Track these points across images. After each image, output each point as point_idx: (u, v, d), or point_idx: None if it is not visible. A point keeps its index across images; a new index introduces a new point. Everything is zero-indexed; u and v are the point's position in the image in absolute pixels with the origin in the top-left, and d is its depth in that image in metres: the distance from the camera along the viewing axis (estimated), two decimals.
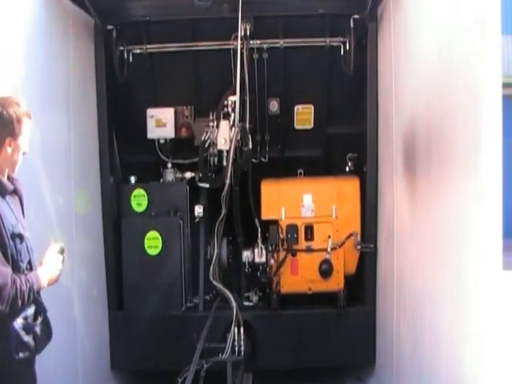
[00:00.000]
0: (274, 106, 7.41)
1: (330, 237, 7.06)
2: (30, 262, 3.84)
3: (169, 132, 7.43)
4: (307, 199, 7.16)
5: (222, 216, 6.98)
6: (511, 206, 5.53)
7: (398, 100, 6.16)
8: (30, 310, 3.78)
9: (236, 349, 6.34)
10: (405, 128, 5.86)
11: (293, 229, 7.12)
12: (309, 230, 7.14)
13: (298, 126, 7.62)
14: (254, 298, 7.55)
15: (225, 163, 6.84)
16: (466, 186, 3.96)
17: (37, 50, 5.57)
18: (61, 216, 5.86)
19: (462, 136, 4.10)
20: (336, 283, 7.13)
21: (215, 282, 7.13)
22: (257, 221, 7.18)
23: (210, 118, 7.18)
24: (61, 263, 4.02)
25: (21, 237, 3.73)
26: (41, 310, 3.89)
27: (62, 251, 4.04)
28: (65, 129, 6.20)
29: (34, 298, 3.78)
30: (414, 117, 5.52)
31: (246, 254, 7.29)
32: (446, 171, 4.46)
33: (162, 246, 7.04)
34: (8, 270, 3.57)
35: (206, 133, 7.14)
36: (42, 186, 5.46)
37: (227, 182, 6.70)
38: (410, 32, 5.72)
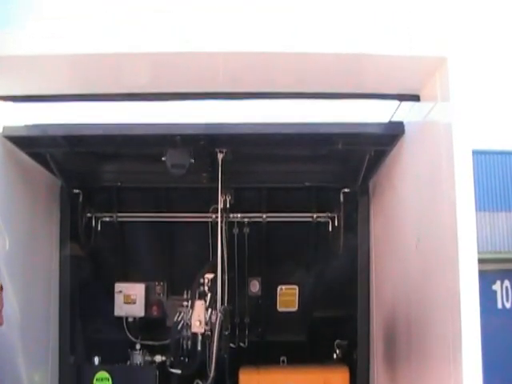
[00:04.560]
0: (254, 285, 7.06)
1: None
2: None
3: (138, 310, 6.95)
4: None
5: None
6: None
7: (379, 288, 6.12)
8: None
9: None
10: (385, 319, 5.86)
11: None
12: None
13: (280, 308, 7.20)
14: None
15: (199, 347, 6.22)
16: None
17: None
18: None
19: (440, 332, 4.17)
20: None
21: None
22: None
23: (184, 296, 6.60)
24: None
25: None
26: None
27: None
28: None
29: None
30: (395, 307, 5.56)
31: None
32: (425, 367, 4.52)
33: None
34: None
35: (180, 313, 6.56)
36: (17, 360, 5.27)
37: (211, 375, 5.98)
38: (391, 214, 5.71)
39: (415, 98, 4.82)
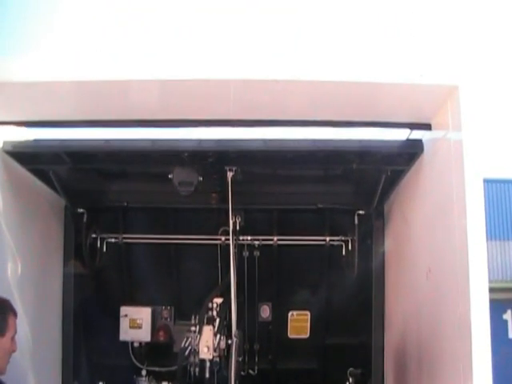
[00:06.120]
0: (265, 311, 6.88)
1: None
2: None
3: (144, 335, 6.78)
4: None
5: None
6: None
7: (390, 317, 6.10)
8: None
9: None
10: (396, 348, 5.86)
11: None
12: None
13: (291, 335, 6.98)
14: None
15: (207, 374, 6.04)
16: None
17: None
18: None
19: (451, 362, 4.22)
20: None
21: None
22: None
23: (192, 321, 6.36)
24: None
25: None
26: None
27: None
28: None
29: None
30: (406, 336, 5.58)
31: None
32: None
33: None
34: None
35: (187, 338, 6.31)
36: None
37: None
38: (405, 241, 5.66)
39: (427, 126, 4.83)
